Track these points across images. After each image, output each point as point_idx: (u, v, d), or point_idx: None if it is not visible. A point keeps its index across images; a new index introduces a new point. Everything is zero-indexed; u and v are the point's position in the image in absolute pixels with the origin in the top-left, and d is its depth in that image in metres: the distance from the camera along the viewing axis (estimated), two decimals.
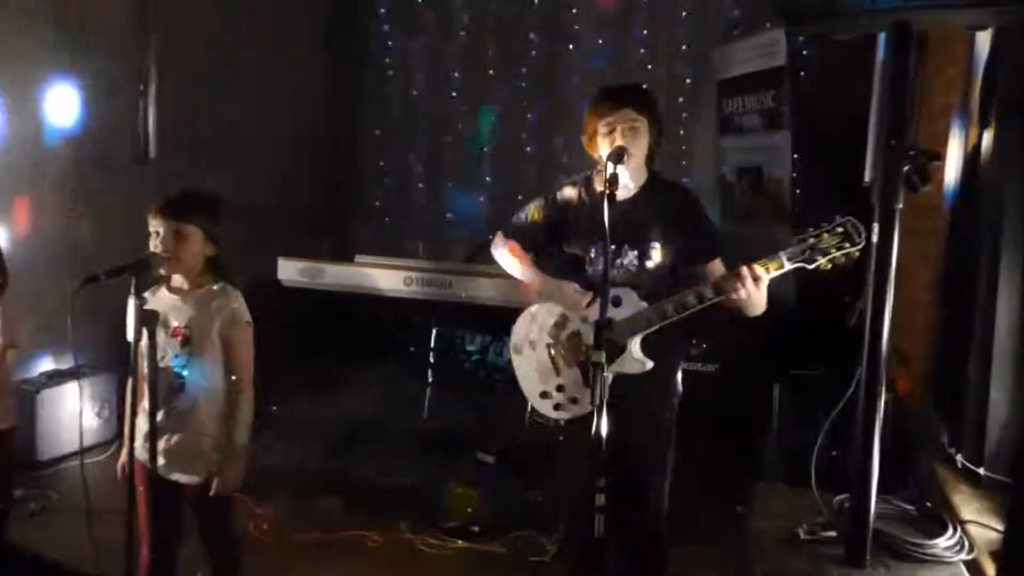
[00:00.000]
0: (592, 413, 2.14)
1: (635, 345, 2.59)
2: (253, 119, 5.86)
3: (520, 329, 2.83)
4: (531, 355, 2.78)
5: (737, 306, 2.47)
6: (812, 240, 2.37)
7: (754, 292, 2.41)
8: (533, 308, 2.82)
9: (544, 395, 2.74)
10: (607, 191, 2.32)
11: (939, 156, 1.74)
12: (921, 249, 3.62)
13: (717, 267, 2.69)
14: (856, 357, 2.27)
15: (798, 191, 5.21)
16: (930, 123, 3.78)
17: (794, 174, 5.08)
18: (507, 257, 2.89)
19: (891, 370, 3.65)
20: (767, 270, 2.40)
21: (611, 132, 2.57)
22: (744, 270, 2.41)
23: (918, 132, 3.74)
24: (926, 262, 3.64)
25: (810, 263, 2.37)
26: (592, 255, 2.72)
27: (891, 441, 3.17)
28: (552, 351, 2.74)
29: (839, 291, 3.80)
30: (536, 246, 2.86)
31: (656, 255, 2.66)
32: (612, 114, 2.57)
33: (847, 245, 2.33)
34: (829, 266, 2.36)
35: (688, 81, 6.00)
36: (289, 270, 5.05)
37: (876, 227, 1.82)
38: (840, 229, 2.34)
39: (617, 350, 2.56)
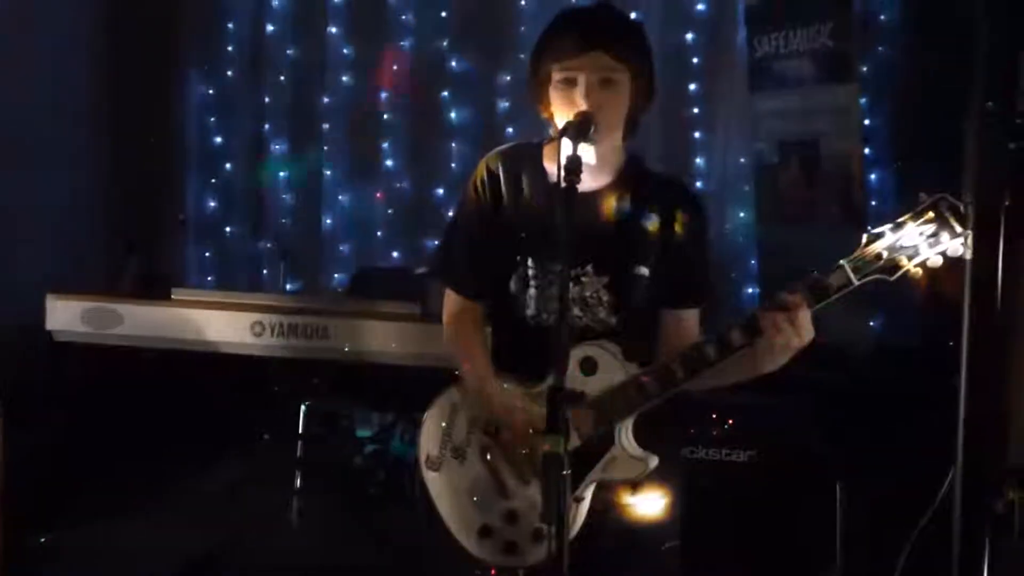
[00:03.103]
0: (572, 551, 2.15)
1: (627, 434, 2.61)
2: None
3: (435, 428, 2.81)
4: (457, 471, 2.77)
5: (760, 357, 2.50)
6: (891, 235, 2.38)
7: (791, 333, 2.43)
8: (453, 394, 2.82)
9: (486, 532, 2.73)
10: (565, 182, 2.34)
11: None
12: None
13: (691, 322, 2.72)
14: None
15: (874, 176, 5.35)
16: None
17: (867, 150, 5.22)
18: (453, 332, 2.86)
19: (1019, 457, 3.77)
20: (827, 290, 2.41)
21: (571, 85, 2.59)
22: (788, 298, 2.43)
23: None
24: None
25: (891, 272, 2.38)
26: (526, 277, 2.71)
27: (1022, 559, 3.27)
28: (492, 458, 2.77)
29: (941, 330, 3.92)
30: (483, 290, 2.84)
31: (644, 285, 2.69)
32: (575, 57, 2.56)
33: (945, 236, 2.34)
34: (920, 272, 2.37)
35: (700, 7, 6.17)
36: (65, 315, 5.01)
37: (969, 236, 1.87)
38: (931, 213, 2.35)
39: (600, 443, 2.60)
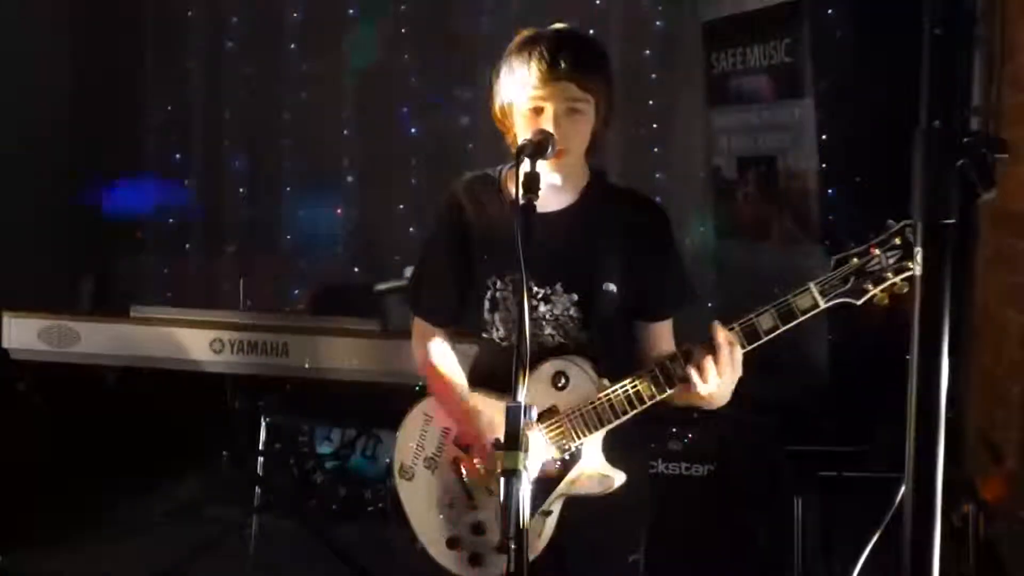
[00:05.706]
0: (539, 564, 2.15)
1: (594, 449, 2.64)
2: None
3: (408, 439, 2.85)
4: (428, 480, 2.81)
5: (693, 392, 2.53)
6: (857, 260, 2.43)
7: (728, 371, 2.46)
8: (426, 405, 2.86)
9: (454, 543, 2.76)
10: (523, 199, 2.36)
11: (1005, 147, 1.81)
12: (1018, 286, 3.78)
13: (664, 334, 2.75)
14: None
15: (831, 191, 5.40)
16: (1016, 92, 3.98)
17: (823, 165, 5.26)
18: (424, 360, 2.88)
19: (974, 469, 3.81)
20: (794, 312, 2.45)
21: (538, 113, 2.61)
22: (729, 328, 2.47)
23: (994, 110, 3.93)
24: None
25: (858, 296, 2.43)
26: (495, 298, 2.74)
27: (976, 571, 3.31)
28: (464, 470, 2.77)
29: (896, 344, 3.96)
30: (449, 317, 2.87)
31: (612, 301, 2.71)
32: (543, 87, 2.59)
33: (909, 264, 2.37)
34: (886, 299, 2.42)
35: (659, 23, 6.21)
36: (22, 333, 4.97)
37: (919, 253, 1.88)
38: (897, 240, 2.39)
39: (566, 458, 2.62)
